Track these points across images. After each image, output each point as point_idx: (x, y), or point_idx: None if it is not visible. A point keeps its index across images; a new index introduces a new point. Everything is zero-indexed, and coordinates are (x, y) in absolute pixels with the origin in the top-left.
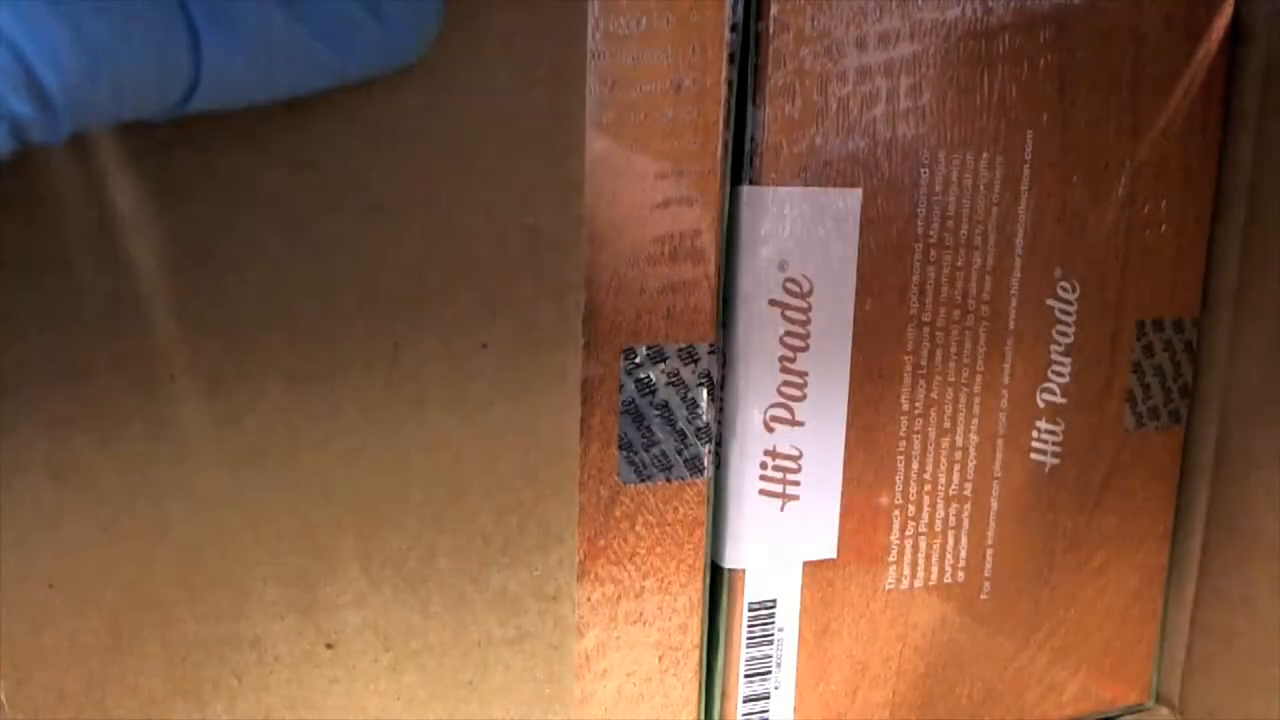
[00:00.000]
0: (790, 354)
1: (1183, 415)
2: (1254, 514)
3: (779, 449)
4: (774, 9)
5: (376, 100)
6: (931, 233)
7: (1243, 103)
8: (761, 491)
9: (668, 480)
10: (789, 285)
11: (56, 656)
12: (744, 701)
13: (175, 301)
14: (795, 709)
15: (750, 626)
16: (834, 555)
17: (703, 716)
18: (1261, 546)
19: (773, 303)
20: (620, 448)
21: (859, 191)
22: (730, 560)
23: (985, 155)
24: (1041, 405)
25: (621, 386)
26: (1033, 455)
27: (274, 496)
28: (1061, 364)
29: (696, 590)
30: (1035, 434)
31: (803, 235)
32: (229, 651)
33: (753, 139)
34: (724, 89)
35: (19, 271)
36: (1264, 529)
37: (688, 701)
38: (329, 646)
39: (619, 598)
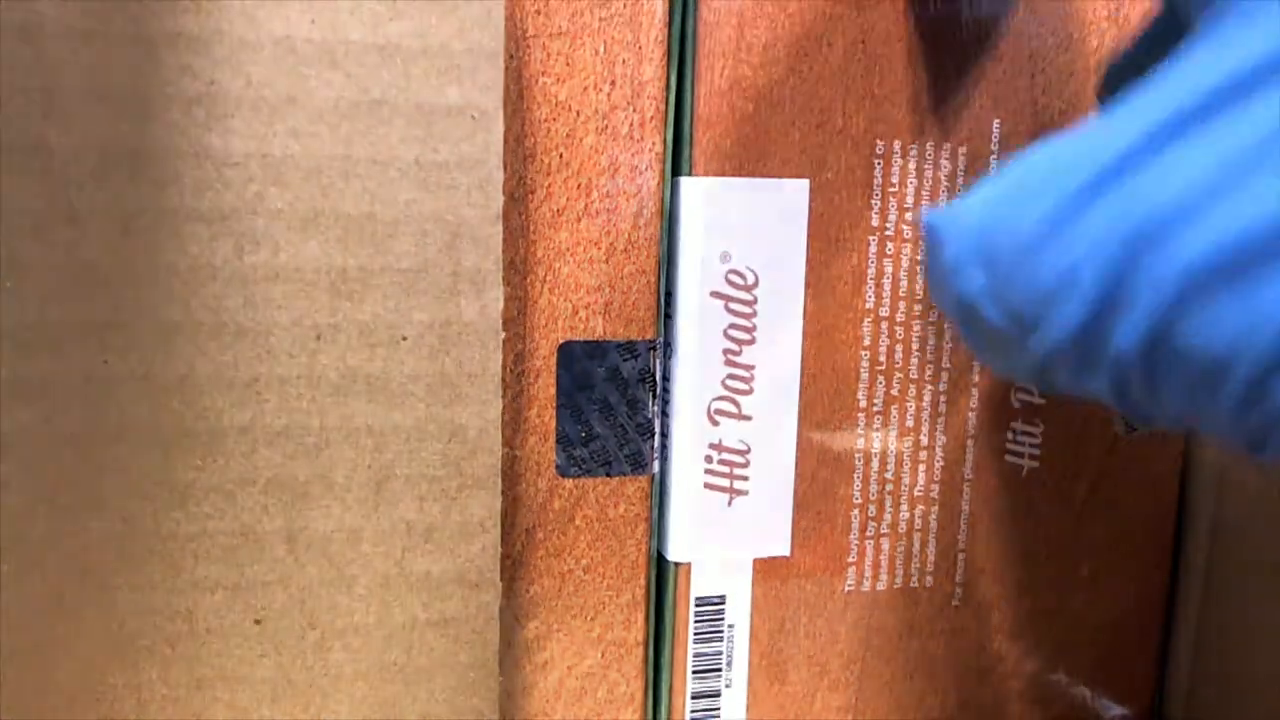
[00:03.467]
0: (735, 347)
1: None
2: (1261, 530)
3: (725, 443)
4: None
5: (298, 88)
6: (888, 225)
7: None
8: (707, 485)
9: (608, 475)
10: (732, 277)
11: (6, 618)
12: (693, 698)
13: (109, 288)
14: (748, 707)
15: (698, 621)
16: (787, 553)
17: (650, 712)
18: (1268, 564)
19: (715, 294)
20: (558, 441)
21: (806, 182)
22: (675, 554)
23: (947, 145)
24: (1017, 405)
25: (558, 381)
26: (1008, 458)
27: (202, 476)
28: None
29: (640, 587)
30: (1010, 435)
31: (746, 227)
32: (163, 621)
33: (691, 130)
34: (661, 81)
35: None
36: (1273, 546)
37: (632, 698)
38: (257, 622)
39: (559, 590)
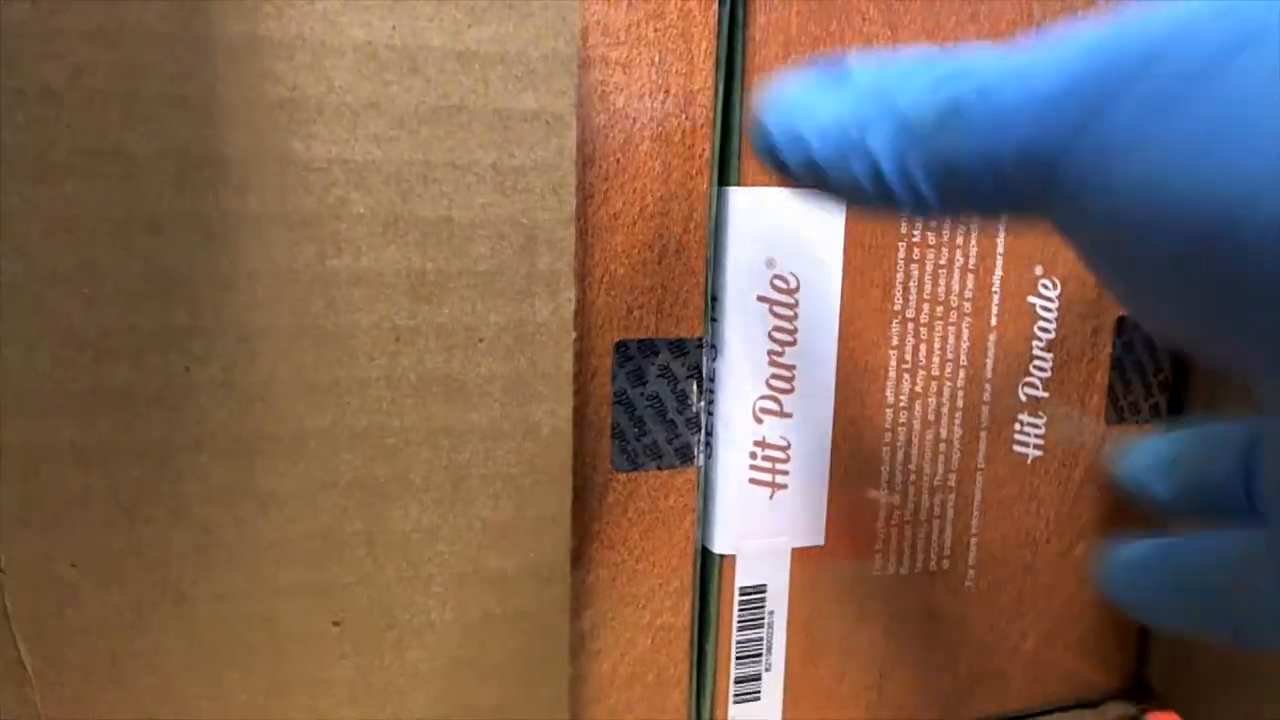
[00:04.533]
0: (779, 348)
1: (1163, 410)
2: None
3: (768, 439)
4: (760, 17)
5: (379, 93)
6: (914, 232)
7: None
8: (751, 480)
9: (659, 469)
10: (776, 282)
11: (82, 635)
12: (736, 682)
13: (190, 294)
14: (785, 689)
15: (741, 610)
16: (822, 542)
17: (694, 695)
18: None
19: (761, 299)
20: (613, 437)
21: None
22: (721, 546)
23: None
24: (1024, 399)
25: (614, 378)
26: (1015, 447)
27: (283, 481)
28: (1043, 359)
29: (687, 574)
30: (1018, 427)
31: (789, 234)
32: (243, 629)
33: (740, 142)
34: (711, 92)
35: (47, 264)
36: None
37: (679, 681)
38: (336, 624)
39: (613, 580)
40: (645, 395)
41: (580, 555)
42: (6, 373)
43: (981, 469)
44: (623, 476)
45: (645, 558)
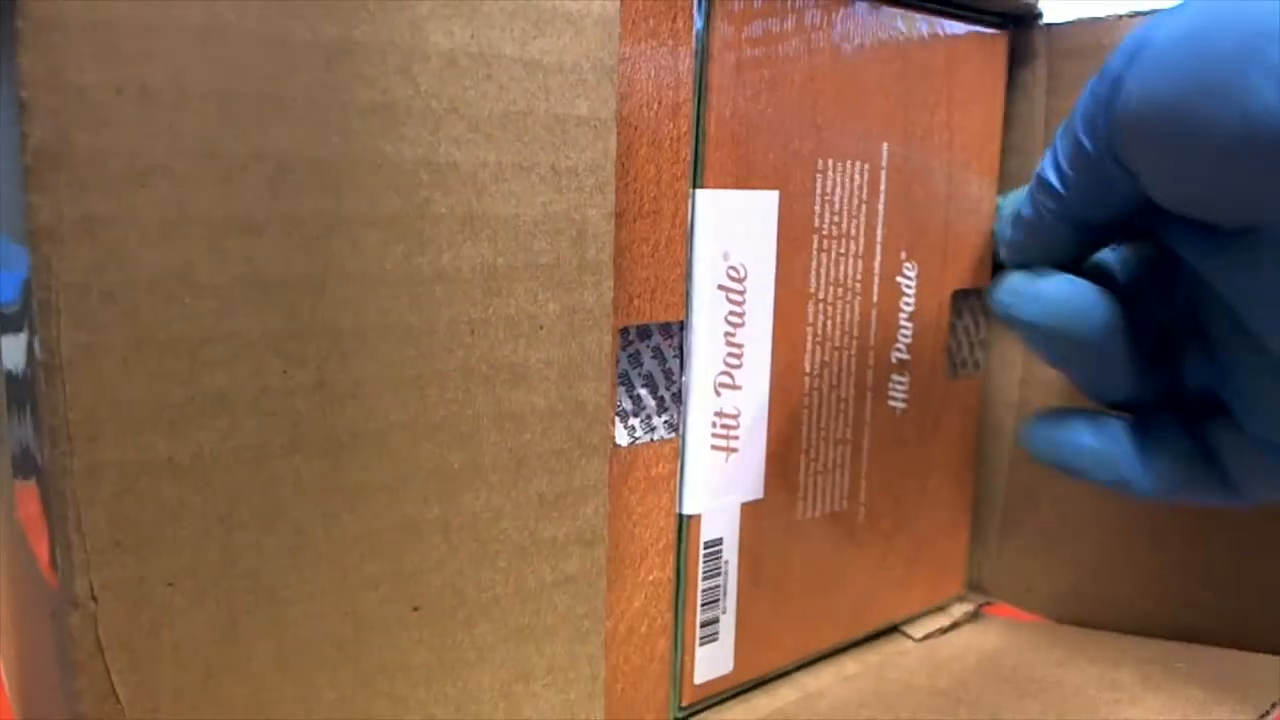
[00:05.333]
0: (732, 330)
1: (982, 364)
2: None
3: (724, 410)
4: (716, 41)
5: (459, 98)
6: (824, 226)
7: (1028, 110)
8: (713, 447)
9: (651, 440)
10: (730, 272)
11: (175, 654)
12: (701, 626)
13: (286, 297)
14: (736, 629)
15: (705, 562)
16: (762, 496)
17: (676, 639)
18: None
19: (720, 287)
20: (618, 415)
21: (776, 193)
22: (689, 507)
23: (858, 163)
24: (894, 362)
25: (618, 361)
26: (889, 402)
27: (369, 476)
28: (906, 328)
29: (672, 531)
30: (891, 385)
31: (739, 230)
32: (330, 626)
33: (704, 149)
34: (689, 103)
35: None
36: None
37: (665, 628)
38: (415, 609)
39: (617, 545)
40: (641, 375)
41: None
42: (102, 387)
43: (868, 422)
44: (624, 451)
45: (641, 521)
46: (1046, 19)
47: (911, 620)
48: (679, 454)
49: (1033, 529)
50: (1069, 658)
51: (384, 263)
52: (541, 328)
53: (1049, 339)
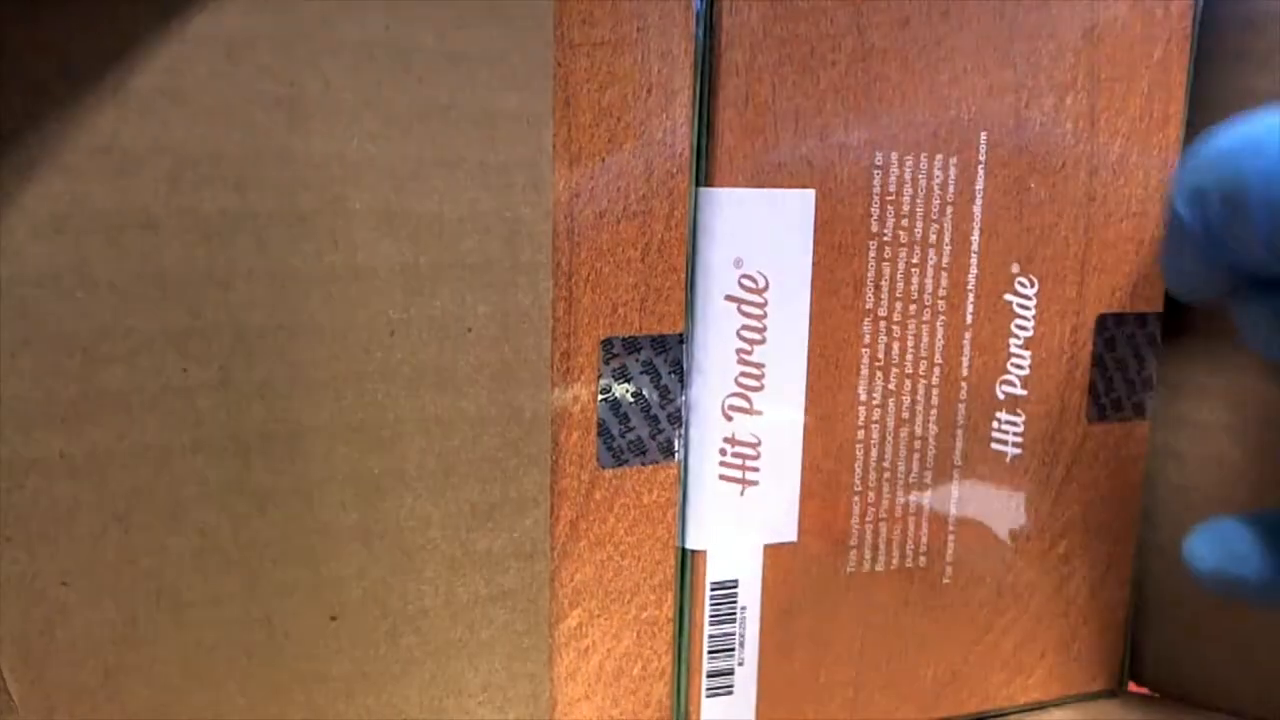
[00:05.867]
0: (748, 346)
1: (1147, 407)
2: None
3: (738, 436)
4: (726, 19)
5: (374, 92)
6: (886, 231)
7: (1209, 94)
8: (722, 476)
9: (643, 464)
10: (744, 281)
11: (71, 653)
12: (709, 676)
13: (188, 294)
14: (758, 684)
15: (713, 605)
16: (794, 539)
17: (677, 687)
18: None
19: (729, 298)
20: (599, 434)
21: (812, 192)
22: (693, 542)
23: (939, 157)
24: (1001, 397)
25: (600, 375)
26: (993, 445)
27: (281, 479)
28: (1021, 357)
29: (670, 567)
30: (995, 424)
31: (758, 234)
32: (240, 632)
33: (709, 142)
34: (689, 90)
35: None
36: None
37: (664, 672)
38: (333, 618)
39: (599, 577)
40: (630, 391)
41: (566, 553)
42: None
43: (959, 466)
44: (609, 473)
45: (630, 553)
46: None
47: (1021, 712)
48: (679, 480)
49: (1201, 619)
50: None
51: (292, 260)
52: (470, 330)
53: None
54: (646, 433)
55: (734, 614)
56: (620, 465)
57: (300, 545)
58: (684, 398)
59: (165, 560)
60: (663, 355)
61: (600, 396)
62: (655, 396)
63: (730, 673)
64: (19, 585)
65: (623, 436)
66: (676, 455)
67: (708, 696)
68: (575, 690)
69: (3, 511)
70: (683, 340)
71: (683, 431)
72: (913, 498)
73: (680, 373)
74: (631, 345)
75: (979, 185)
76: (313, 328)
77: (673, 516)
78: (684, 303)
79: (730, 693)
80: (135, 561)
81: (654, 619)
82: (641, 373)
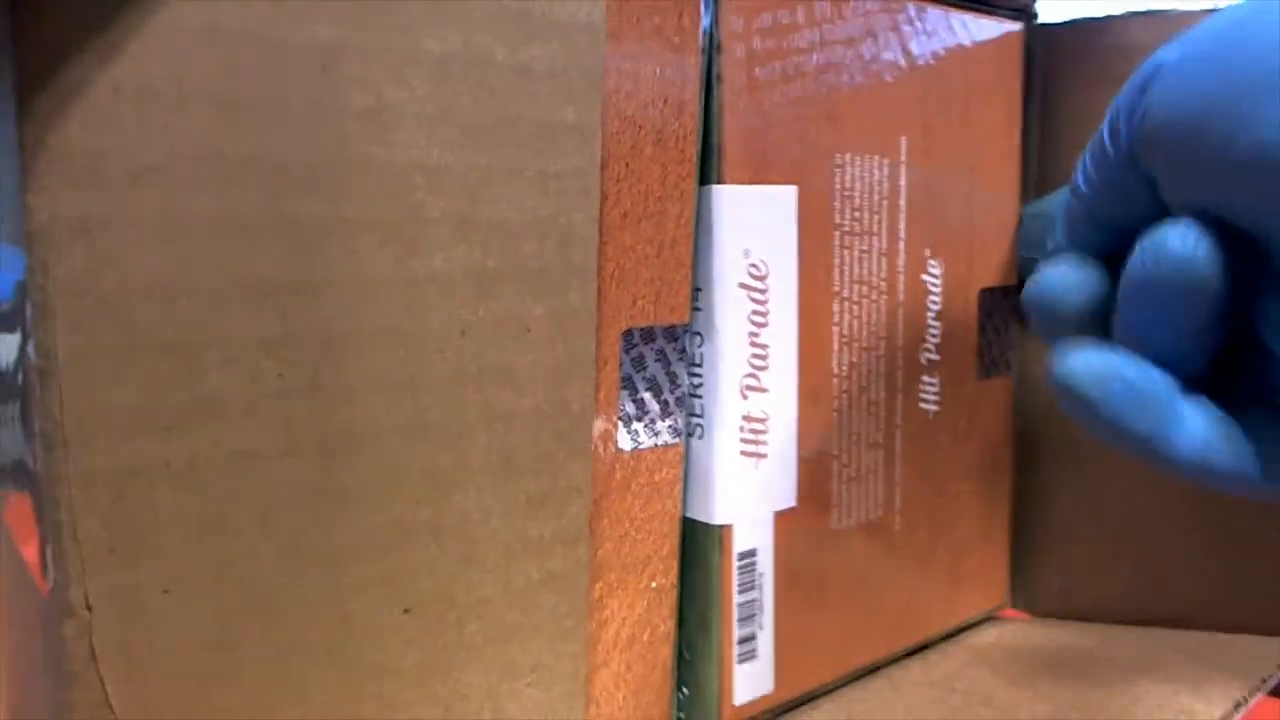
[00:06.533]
0: (756, 330)
1: (1013, 365)
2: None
3: (751, 413)
4: (726, 36)
5: (453, 103)
6: (845, 223)
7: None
8: (742, 453)
9: (655, 446)
10: (751, 270)
11: (169, 662)
12: (738, 643)
13: (281, 300)
14: (775, 645)
15: (740, 575)
16: (795, 504)
17: (677, 648)
18: (1078, 458)
19: (741, 285)
20: (620, 420)
21: (795, 188)
22: (721, 517)
23: (876, 158)
24: (924, 363)
25: (621, 364)
26: (920, 404)
27: (360, 479)
28: (934, 328)
29: (675, 538)
30: (922, 386)
31: (758, 226)
32: (320, 630)
33: (719, 144)
34: (695, 101)
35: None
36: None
37: (668, 636)
38: (406, 611)
39: (617, 551)
40: (645, 378)
41: (593, 531)
42: (97, 391)
43: (899, 426)
44: (627, 456)
45: (643, 527)
46: (1043, 19)
47: (960, 631)
48: (684, 459)
49: (1074, 538)
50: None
51: (377, 266)
52: (529, 330)
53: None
54: (659, 415)
55: (753, 582)
56: (637, 448)
57: (376, 542)
58: (700, 381)
59: (257, 564)
60: (673, 344)
61: (621, 384)
62: (666, 382)
63: (753, 639)
64: (122, 597)
65: (639, 421)
66: (682, 436)
67: (739, 663)
68: (595, 659)
69: (107, 524)
70: (688, 330)
71: (686, 414)
72: (871, 457)
73: (686, 359)
74: (648, 335)
75: (903, 181)
76: (393, 330)
77: (679, 492)
78: (689, 295)
79: (755, 657)
80: (231, 566)
81: (661, 586)
82: (655, 360)
